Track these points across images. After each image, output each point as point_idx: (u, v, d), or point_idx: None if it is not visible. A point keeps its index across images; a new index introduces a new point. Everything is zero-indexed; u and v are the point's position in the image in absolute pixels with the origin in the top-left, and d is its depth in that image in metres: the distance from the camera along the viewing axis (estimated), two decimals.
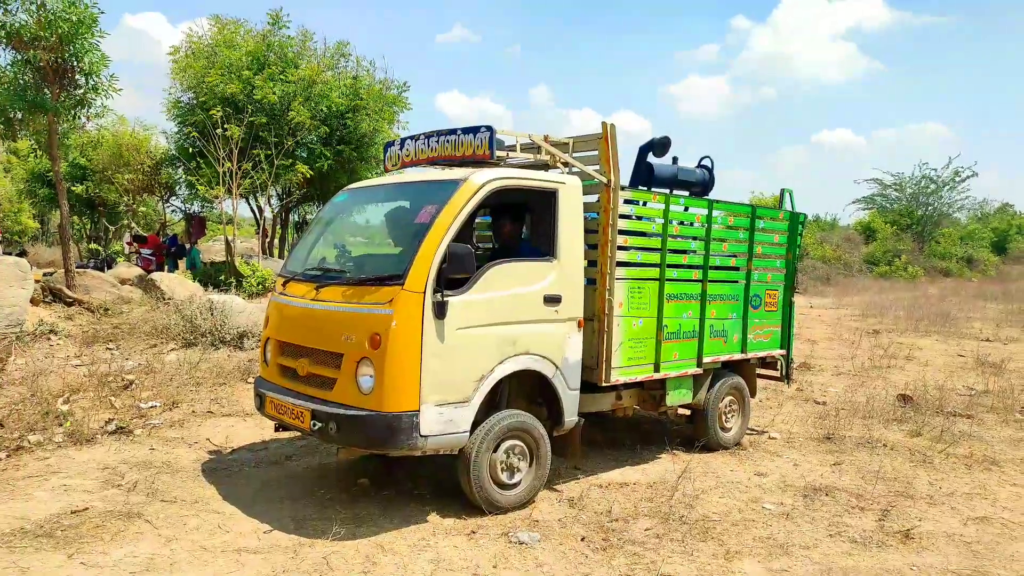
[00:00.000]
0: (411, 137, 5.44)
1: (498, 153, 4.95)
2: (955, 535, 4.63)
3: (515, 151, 5.17)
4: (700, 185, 6.35)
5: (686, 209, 6.03)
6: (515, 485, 4.75)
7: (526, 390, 5.00)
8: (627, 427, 6.95)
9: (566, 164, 5.28)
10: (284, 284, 5.13)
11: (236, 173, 15.89)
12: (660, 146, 5.97)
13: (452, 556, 4.07)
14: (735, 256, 6.32)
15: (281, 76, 17.30)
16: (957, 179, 37.85)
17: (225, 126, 15.44)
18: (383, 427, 4.16)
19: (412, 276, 4.20)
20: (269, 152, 16.39)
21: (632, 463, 5.93)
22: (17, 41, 11.51)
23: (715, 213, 6.05)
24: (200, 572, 3.75)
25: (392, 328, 4.14)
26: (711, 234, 5.98)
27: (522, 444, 4.75)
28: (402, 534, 4.33)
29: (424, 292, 4.19)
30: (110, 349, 9.42)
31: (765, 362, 6.94)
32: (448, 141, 5.09)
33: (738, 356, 6.37)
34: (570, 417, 5.03)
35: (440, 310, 4.23)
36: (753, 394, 6.80)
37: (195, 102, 17.82)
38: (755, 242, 6.39)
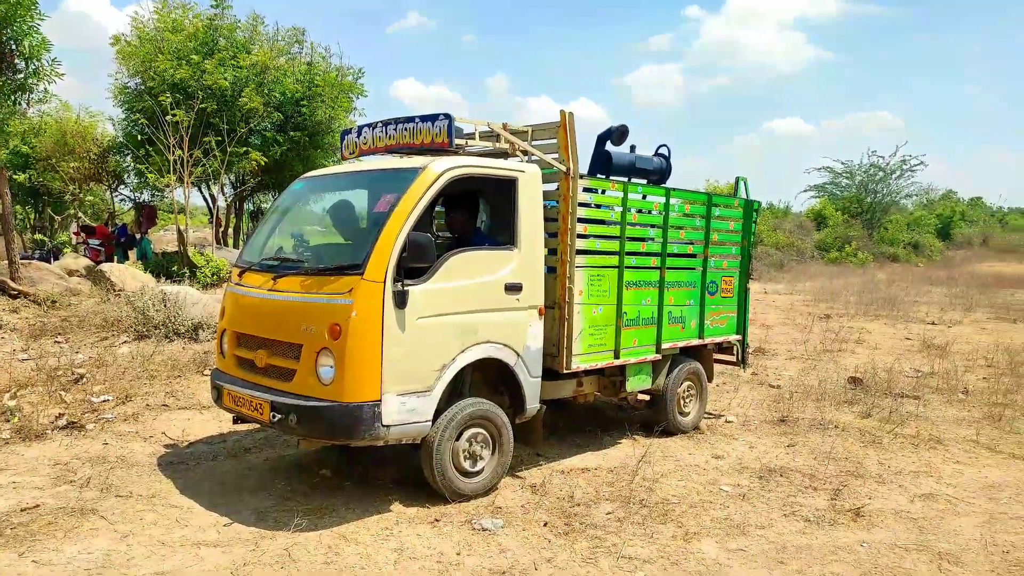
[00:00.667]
0: (368, 125, 5.38)
1: (457, 141, 4.92)
2: (902, 512, 4.81)
3: (474, 139, 5.16)
4: (657, 173, 6.40)
5: (644, 197, 6.08)
6: (478, 473, 4.76)
7: (488, 378, 5.00)
8: (588, 413, 7.03)
9: (525, 152, 5.27)
10: (240, 274, 5.03)
11: (187, 161, 15.51)
12: (618, 135, 6.00)
13: (415, 544, 4.07)
14: (692, 243, 6.40)
15: (232, 61, 16.91)
16: (905, 167, 38.98)
17: (173, 112, 15.04)
18: (344, 417, 4.13)
19: (372, 266, 4.17)
20: (221, 139, 16.03)
21: (593, 449, 6.00)
22: None
23: (672, 201, 6.10)
24: (158, 567, 3.69)
25: (352, 318, 4.11)
26: (668, 222, 6.05)
27: (484, 432, 4.77)
28: (365, 524, 4.32)
29: (384, 282, 4.16)
30: (59, 342, 9.14)
31: (722, 347, 7.06)
32: (406, 129, 5.04)
33: (696, 342, 6.46)
34: (532, 404, 5.05)
35: (400, 299, 4.21)
36: (710, 379, 6.93)
37: (143, 88, 17.32)
38: (711, 229, 6.48)
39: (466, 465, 4.69)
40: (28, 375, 7.16)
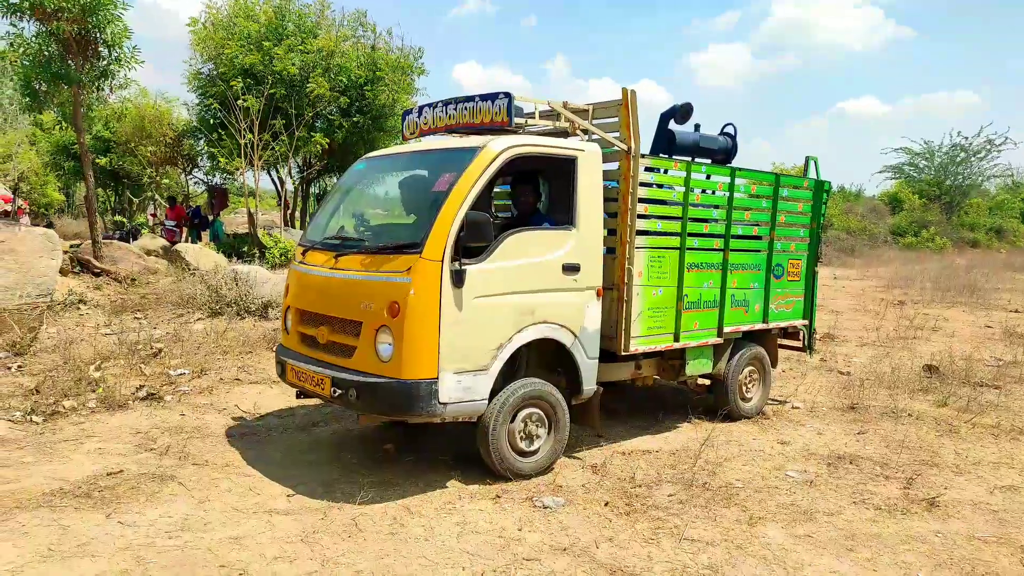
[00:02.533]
0: (429, 105, 5.39)
1: (517, 121, 4.87)
2: (981, 503, 4.61)
3: (534, 119, 5.10)
4: (723, 153, 6.23)
5: (708, 177, 5.93)
6: (534, 452, 4.77)
7: (545, 359, 4.98)
8: (649, 396, 6.97)
9: (585, 131, 5.20)
10: (304, 253, 5.12)
11: (257, 145, 15.94)
12: (682, 113, 5.86)
13: (478, 519, 4.13)
14: (758, 225, 6.22)
15: (300, 47, 17.24)
16: (990, 147, 36.95)
17: (244, 98, 15.45)
18: (402, 394, 4.19)
19: (430, 244, 4.19)
20: (288, 124, 16.40)
21: (654, 431, 5.95)
22: (41, 12, 11.56)
23: (737, 181, 5.93)
24: (233, 532, 3.85)
25: (410, 296, 4.14)
26: (733, 202, 5.88)
27: (540, 412, 4.76)
28: (428, 498, 4.40)
29: (442, 261, 4.18)
30: (138, 318, 9.58)
31: (787, 332, 6.87)
32: (466, 108, 5.02)
33: (759, 326, 6.31)
34: (589, 386, 5.02)
35: (458, 278, 4.23)
36: (774, 364, 6.75)
37: (215, 73, 17.84)
38: (778, 211, 6.29)
39: (522, 444, 4.70)
40: (111, 349, 7.53)
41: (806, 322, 6.81)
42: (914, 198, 37.56)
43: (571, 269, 4.78)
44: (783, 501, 4.55)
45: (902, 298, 15.25)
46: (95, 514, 3.99)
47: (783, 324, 6.60)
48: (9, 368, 6.89)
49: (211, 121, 17.55)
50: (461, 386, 4.31)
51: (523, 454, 4.72)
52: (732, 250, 5.91)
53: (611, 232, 5.22)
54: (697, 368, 5.90)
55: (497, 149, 4.51)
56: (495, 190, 5.92)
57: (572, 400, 5.01)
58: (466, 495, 4.47)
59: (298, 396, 5.05)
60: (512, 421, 4.62)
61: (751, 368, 6.39)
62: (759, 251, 6.22)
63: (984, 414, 6.57)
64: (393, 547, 3.76)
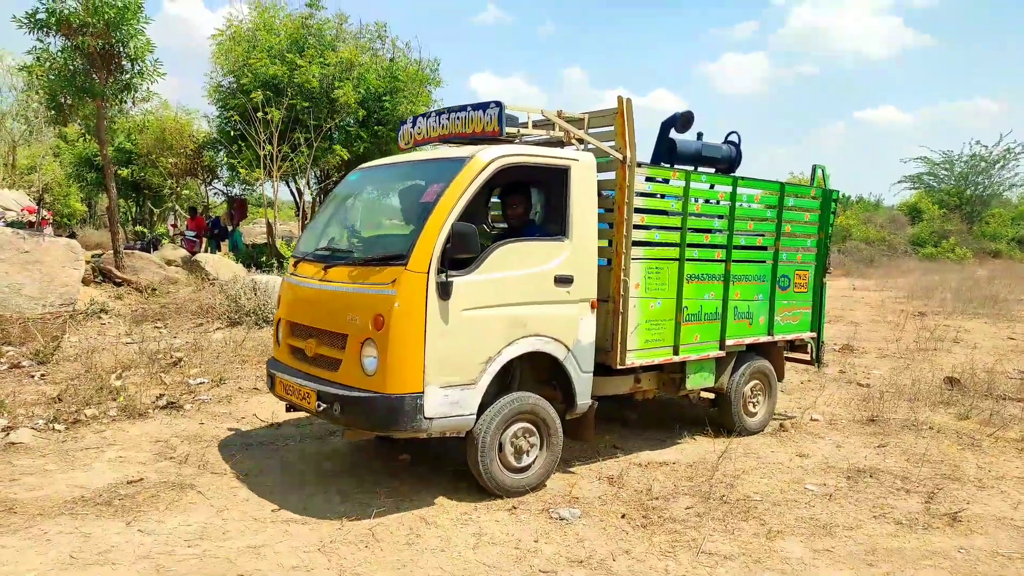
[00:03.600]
0: (423, 115, 5.33)
1: (512, 130, 4.82)
2: (1005, 519, 4.54)
3: (527, 128, 4.99)
4: (726, 162, 6.11)
5: (712, 187, 5.83)
6: (526, 468, 4.66)
7: (539, 372, 4.90)
8: (665, 408, 6.93)
9: (581, 141, 5.10)
10: (295, 264, 5.09)
11: (276, 156, 16.11)
12: (683, 121, 5.75)
13: (494, 530, 4.13)
14: (762, 235, 6.07)
15: (320, 59, 17.44)
16: (1009, 156, 36.53)
17: (266, 110, 15.64)
18: (386, 409, 4.10)
19: (415, 256, 4.12)
20: (308, 135, 16.58)
21: (671, 443, 5.92)
22: (66, 28, 11.79)
23: (740, 191, 5.80)
24: (251, 541, 3.87)
25: (395, 309, 4.07)
26: (735, 212, 5.75)
27: (532, 427, 4.66)
28: (444, 508, 4.41)
29: (428, 272, 4.11)
30: (158, 327, 9.70)
31: (794, 345, 6.74)
32: (458, 118, 4.96)
33: (764, 339, 6.16)
34: (583, 400, 4.90)
35: (444, 291, 4.15)
36: (781, 378, 6.56)
37: (236, 86, 18.08)
38: (784, 220, 6.15)
39: (512, 460, 4.58)
40: (132, 357, 7.62)
41: (814, 335, 6.64)
42: (934, 208, 37.14)
43: (564, 281, 4.68)
44: (802, 515, 4.51)
45: (922, 309, 15.08)
46: (115, 522, 4.03)
47: (789, 337, 6.46)
48: (32, 376, 7.00)
49: (231, 133, 17.77)
50: (448, 401, 4.22)
51: (514, 470, 4.61)
52: (735, 261, 5.78)
53: (611, 243, 5.13)
54: (698, 382, 5.76)
55: (486, 159, 4.44)
56: (493, 200, 5.85)
57: (567, 414, 4.91)
58: (482, 506, 4.46)
59: (288, 409, 4.97)
60: (502, 436, 4.53)
61: (756, 382, 6.24)
62: (764, 262, 6.09)
63: (1007, 428, 6.46)
64: (410, 557, 3.77)
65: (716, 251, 5.70)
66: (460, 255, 4.19)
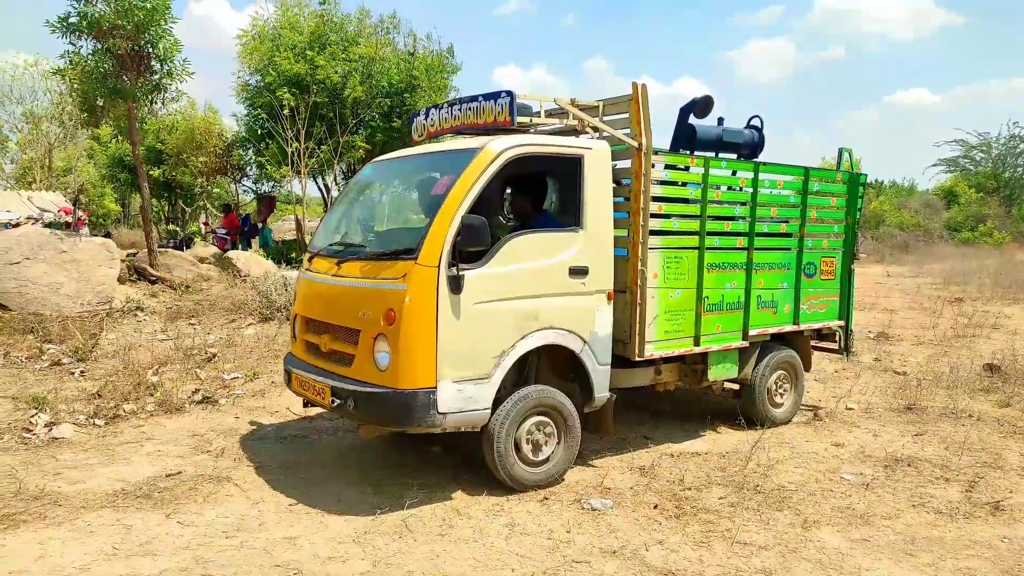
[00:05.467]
0: (435, 106, 5.27)
1: (524, 120, 4.72)
2: None
3: (539, 117, 4.90)
4: (748, 147, 5.96)
5: (734, 173, 5.70)
6: (543, 462, 4.59)
7: (556, 366, 4.83)
8: (696, 399, 6.88)
9: (595, 129, 4.98)
10: (310, 259, 5.05)
11: (303, 152, 16.26)
12: (701, 106, 5.61)
13: (526, 521, 4.13)
14: (786, 222, 5.93)
15: (342, 55, 17.55)
16: None
17: (288, 98, 15.77)
18: (399, 404, 4.07)
19: (425, 250, 4.07)
20: (332, 130, 16.70)
21: (702, 434, 5.87)
22: (97, 31, 12.01)
23: (762, 176, 5.65)
24: (287, 532, 3.93)
25: (406, 304, 4.03)
26: (757, 199, 5.61)
27: (549, 420, 4.60)
28: (476, 499, 4.42)
29: (438, 266, 4.05)
30: (192, 324, 9.86)
31: (821, 334, 6.55)
32: (470, 109, 4.88)
33: (789, 328, 6.01)
34: (601, 393, 4.82)
35: (455, 284, 4.08)
36: (807, 368, 6.42)
37: (262, 84, 18.28)
38: (809, 206, 5.99)
39: (529, 454, 4.53)
40: (167, 354, 7.76)
41: (842, 323, 6.48)
42: (970, 192, 36.27)
43: (579, 272, 4.60)
44: (838, 504, 4.45)
45: (959, 295, 14.74)
46: (155, 514, 4.12)
47: (816, 325, 6.29)
48: (73, 373, 7.16)
49: (259, 131, 17.97)
50: (462, 395, 4.18)
51: (531, 464, 4.55)
52: (758, 248, 5.64)
53: (630, 233, 5.00)
54: (721, 373, 5.62)
55: (497, 149, 4.36)
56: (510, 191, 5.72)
57: (585, 408, 4.84)
58: (514, 497, 4.47)
59: (305, 405, 4.97)
60: (519, 430, 4.47)
61: (781, 372, 6.09)
62: (789, 249, 5.93)
63: None
64: (443, 548, 3.79)
65: (738, 239, 5.56)
66: (471, 248, 4.11)
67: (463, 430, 4.33)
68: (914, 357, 8.89)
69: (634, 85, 4.85)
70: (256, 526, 4.01)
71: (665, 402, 6.59)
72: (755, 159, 5.90)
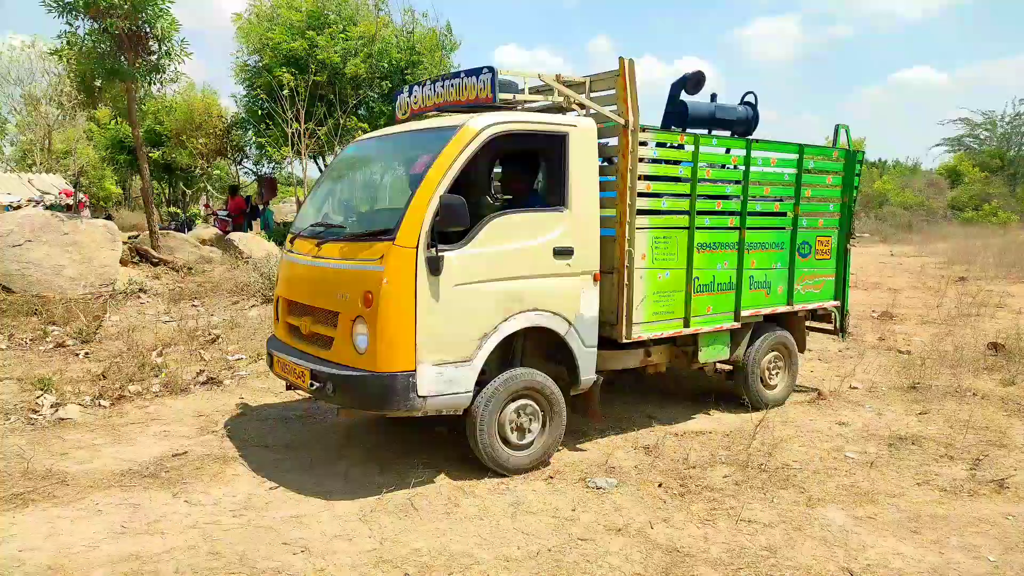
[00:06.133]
0: (418, 84, 5.17)
1: (507, 96, 4.60)
2: None
3: (533, 94, 4.81)
4: (742, 124, 5.82)
5: (727, 151, 5.59)
6: (527, 446, 4.54)
7: (543, 348, 4.74)
8: (700, 378, 6.87)
9: (582, 106, 4.85)
10: (291, 240, 4.97)
11: (303, 133, 16.16)
12: (693, 82, 5.50)
13: (531, 499, 4.15)
14: (780, 200, 5.83)
15: (342, 35, 17.39)
16: None
17: (287, 78, 15.65)
18: (378, 388, 4.00)
19: (403, 231, 3.98)
20: (332, 111, 16.59)
21: (707, 412, 5.88)
22: (94, 10, 11.87)
23: (755, 154, 5.52)
24: (294, 510, 3.95)
25: (383, 286, 3.95)
26: (749, 177, 5.48)
27: (533, 403, 4.53)
28: (480, 478, 4.43)
29: (416, 247, 3.97)
30: (195, 306, 9.86)
31: (817, 315, 6.50)
32: (452, 85, 4.77)
33: (783, 308, 5.92)
34: (587, 376, 4.74)
35: (434, 266, 4.00)
36: (802, 349, 6.36)
37: (260, 64, 18.13)
38: (803, 184, 5.88)
39: (513, 437, 4.47)
40: (171, 335, 7.78)
41: (837, 303, 6.38)
42: (975, 171, 36.03)
43: (563, 253, 4.51)
44: (843, 482, 4.46)
45: (963, 274, 14.71)
46: (163, 493, 4.13)
47: (811, 306, 6.21)
48: (77, 355, 7.17)
49: (259, 112, 17.85)
50: (442, 378, 4.11)
51: (515, 447, 4.49)
52: (750, 228, 5.53)
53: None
54: (712, 354, 5.54)
55: (477, 127, 4.25)
56: (498, 171, 5.65)
57: (571, 390, 4.78)
58: (518, 476, 4.49)
59: (287, 388, 4.88)
60: (502, 413, 4.41)
61: (775, 353, 6.02)
62: (783, 228, 5.83)
63: None
64: (448, 526, 3.81)
65: (729, 218, 5.44)
66: (449, 228, 4.02)
67: (444, 414, 4.28)
68: (918, 336, 8.89)
69: (621, 60, 4.70)
70: (263, 504, 4.02)
71: (669, 381, 6.59)
72: (749, 136, 5.78)
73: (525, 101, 4.79)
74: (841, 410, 5.99)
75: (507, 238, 4.32)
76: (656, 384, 6.53)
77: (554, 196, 4.62)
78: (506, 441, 4.46)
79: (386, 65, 17.53)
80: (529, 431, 4.55)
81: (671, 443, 5.12)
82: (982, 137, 38.66)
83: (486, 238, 4.23)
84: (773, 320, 6.03)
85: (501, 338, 4.31)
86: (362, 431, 5.33)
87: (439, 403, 4.16)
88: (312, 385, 4.26)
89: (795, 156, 5.84)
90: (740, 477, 4.49)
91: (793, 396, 6.34)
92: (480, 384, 4.32)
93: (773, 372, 6.06)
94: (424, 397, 4.08)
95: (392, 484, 4.31)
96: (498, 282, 4.27)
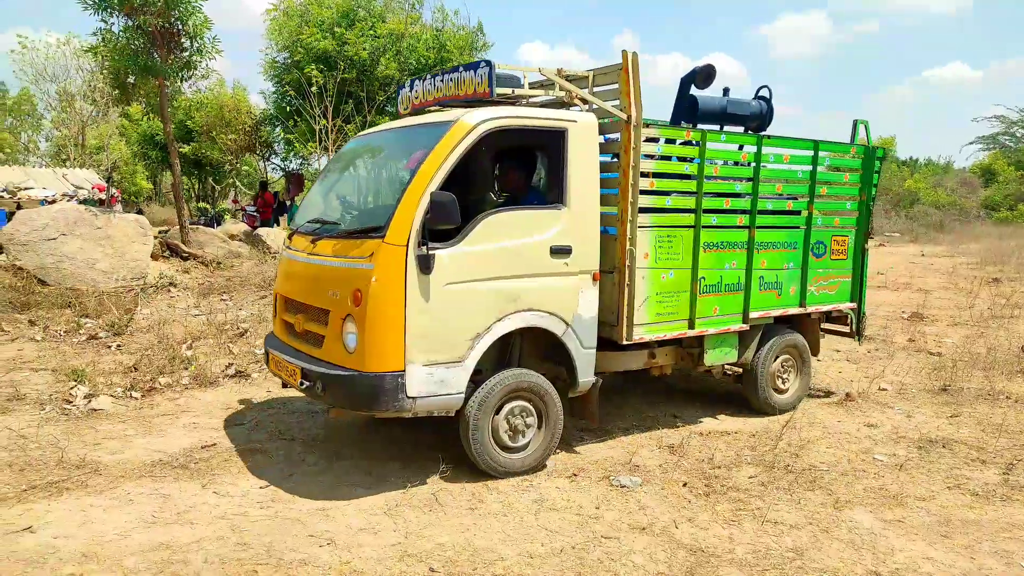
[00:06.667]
0: (419, 78, 5.10)
1: (505, 91, 4.51)
2: None
3: (535, 88, 4.74)
4: (755, 119, 5.66)
5: (740, 147, 5.45)
6: (522, 448, 4.45)
7: (541, 348, 4.64)
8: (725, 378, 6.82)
9: (584, 101, 4.73)
10: (290, 236, 4.94)
11: (331, 129, 16.30)
12: (703, 76, 5.36)
13: (555, 496, 4.15)
14: (793, 198, 5.64)
15: (370, 32, 17.50)
16: None
17: (316, 76, 15.80)
18: (367, 388, 3.93)
19: (393, 228, 3.90)
20: (360, 107, 16.71)
21: (732, 412, 5.83)
22: (128, 7, 12.09)
23: (766, 150, 5.34)
24: (319, 503, 3.99)
25: (372, 284, 3.88)
26: (760, 174, 5.28)
27: (529, 405, 4.44)
28: (533, 470, 4.44)
29: (407, 245, 3.90)
30: (224, 300, 10.00)
31: (831, 317, 6.29)
32: (451, 80, 4.68)
33: (795, 310, 5.72)
34: (585, 378, 4.62)
35: (425, 264, 3.93)
36: (815, 353, 6.16)
37: (290, 61, 18.31)
38: (818, 182, 5.67)
39: (507, 440, 4.38)
40: (201, 329, 7.89)
41: (853, 305, 6.14)
42: (1010, 170, 35.27)
43: (561, 252, 4.39)
44: (871, 485, 4.40)
45: (997, 275, 14.41)
46: (192, 484, 4.21)
47: (825, 308, 5.99)
48: (109, 347, 7.31)
49: (287, 109, 18.05)
50: (433, 379, 4.03)
51: (510, 450, 4.41)
52: (760, 227, 5.35)
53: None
54: (718, 357, 5.39)
55: (472, 122, 4.15)
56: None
57: (570, 392, 4.68)
58: (542, 473, 4.49)
59: (284, 386, 4.80)
60: (496, 415, 4.32)
61: (786, 357, 5.82)
62: (796, 227, 5.64)
63: None
64: (472, 522, 3.83)
65: (739, 217, 5.27)
66: (440, 226, 3.93)
67: (436, 415, 4.20)
68: (949, 338, 8.73)
69: (624, 54, 4.57)
70: (289, 497, 4.07)
71: (694, 380, 6.54)
72: (763, 132, 5.62)
73: (528, 96, 4.71)
74: (870, 412, 5.90)
75: (502, 236, 4.22)
76: (681, 383, 6.49)
77: (552, 193, 4.53)
78: (500, 443, 4.38)
79: (414, 63, 17.62)
80: (524, 434, 4.45)
81: (696, 442, 5.09)
82: (1018, 135, 37.80)
83: (480, 236, 4.14)
84: (785, 322, 5.86)
85: (495, 338, 4.22)
86: (385, 425, 5.37)
87: (429, 404, 4.08)
88: (302, 384, 4.22)
89: (810, 152, 5.64)
90: (766, 478, 4.45)
91: (821, 398, 6.27)
92: (477, 384, 4.27)
93: (784, 376, 5.87)
94: (414, 398, 4.00)
95: (416, 479, 4.34)
96: (492, 281, 4.19)
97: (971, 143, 46.37)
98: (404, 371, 3.96)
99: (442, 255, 4.01)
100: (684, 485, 4.34)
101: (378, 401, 3.96)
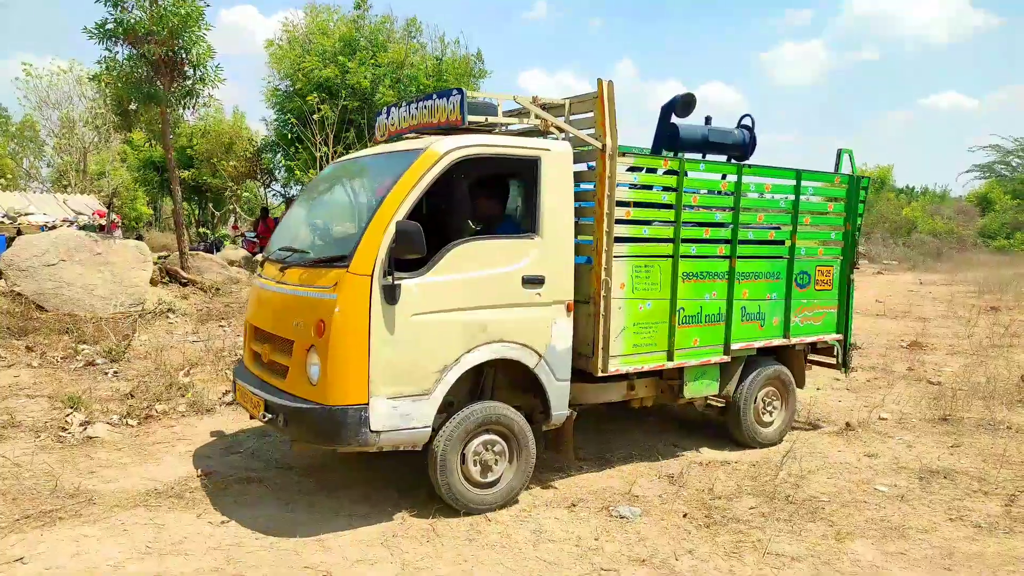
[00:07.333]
0: (395, 105, 5.08)
1: (481, 119, 4.47)
2: None
3: (511, 116, 4.72)
4: (737, 148, 5.61)
5: (723, 177, 5.42)
6: (492, 484, 4.31)
7: (515, 380, 4.53)
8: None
9: (560, 129, 4.66)
10: (262, 264, 4.84)
11: (332, 156, 16.40)
12: (683, 105, 5.33)
13: (554, 527, 4.11)
14: (775, 228, 5.59)
15: (372, 60, 17.71)
16: None
17: (319, 107, 15.96)
18: (328, 421, 3.82)
19: (358, 257, 3.83)
20: (361, 135, 16.85)
21: (731, 442, 5.79)
22: (132, 37, 12.23)
23: (747, 179, 5.27)
24: (316, 534, 3.94)
25: (335, 315, 3.79)
26: (741, 203, 5.23)
27: (499, 439, 4.32)
28: (503, 505, 4.40)
29: (371, 275, 3.82)
30: (222, 326, 9.98)
31: (817, 348, 6.14)
32: (425, 107, 4.65)
33: (778, 342, 5.60)
34: (559, 411, 4.51)
35: (390, 294, 3.83)
36: (800, 384, 6.02)
37: (292, 89, 18.50)
38: (801, 211, 5.60)
39: (477, 475, 4.24)
40: (198, 355, 7.86)
41: (839, 336, 6.03)
42: (1006, 198, 35.53)
43: (533, 282, 4.29)
44: (872, 516, 4.37)
45: (995, 304, 14.44)
46: (187, 514, 4.16)
47: (809, 339, 5.85)
48: (106, 373, 7.28)
49: (288, 136, 18.19)
50: (397, 412, 3.91)
51: (480, 486, 4.27)
52: (741, 257, 5.27)
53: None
54: (699, 390, 5.26)
55: (440, 151, 4.10)
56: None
57: (544, 425, 4.58)
58: (541, 503, 4.45)
59: (251, 417, 4.66)
60: (465, 449, 4.20)
61: (769, 389, 5.70)
62: (778, 257, 5.57)
63: None
64: (471, 553, 3.79)
65: (719, 247, 5.20)
66: (405, 256, 3.85)
67: (402, 449, 4.10)
68: (948, 367, 8.72)
69: (599, 82, 4.52)
70: (286, 527, 4.03)
71: (691, 410, 6.51)
72: (745, 161, 5.60)
73: (503, 124, 4.66)
74: (870, 441, 5.87)
75: (470, 266, 4.14)
76: (679, 412, 6.47)
77: (525, 222, 4.46)
78: (469, 479, 4.24)
79: (414, 91, 17.80)
80: (494, 469, 4.32)
81: (696, 472, 5.06)
82: (1014, 164, 38.15)
83: (448, 266, 4.06)
84: (769, 354, 5.75)
85: (464, 370, 4.11)
86: (384, 455, 5.31)
87: (394, 438, 3.97)
88: (264, 416, 4.11)
89: (792, 182, 5.56)
90: (767, 509, 4.42)
91: (820, 427, 6.24)
92: (450, 416, 4.18)
93: (768, 409, 5.75)
94: (378, 432, 3.88)
95: (414, 508, 4.30)
96: (461, 312, 4.09)
97: (967, 171, 46.77)
98: (367, 404, 3.85)
99: (409, 285, 3.93)
100: (684, 516, 4.30)
101: (340, 435, 3.85)
